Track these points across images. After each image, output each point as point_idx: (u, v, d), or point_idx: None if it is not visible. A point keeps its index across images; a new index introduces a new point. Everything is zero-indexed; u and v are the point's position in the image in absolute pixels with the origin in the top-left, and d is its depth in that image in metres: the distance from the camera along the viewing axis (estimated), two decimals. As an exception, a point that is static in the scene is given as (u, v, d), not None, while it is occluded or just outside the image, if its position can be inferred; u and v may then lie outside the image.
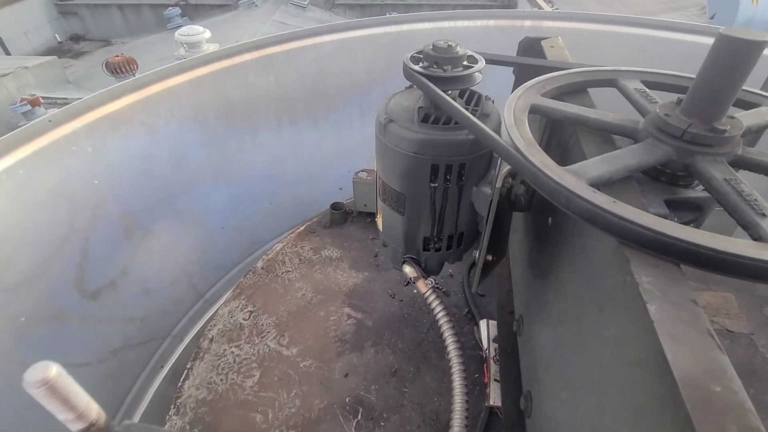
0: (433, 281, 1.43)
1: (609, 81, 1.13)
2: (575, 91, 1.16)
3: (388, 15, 3.30)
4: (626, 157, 0.81)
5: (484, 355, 1.58)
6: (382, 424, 1.50)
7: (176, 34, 5.97)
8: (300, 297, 1.97)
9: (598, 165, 0.79)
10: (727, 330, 1.57)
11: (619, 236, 0.66)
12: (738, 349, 1.52)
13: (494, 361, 1.50)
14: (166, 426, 1.50)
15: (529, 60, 1.47)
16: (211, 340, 1.79)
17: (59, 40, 11.12)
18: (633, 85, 1.07)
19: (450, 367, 1.34)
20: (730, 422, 0.47)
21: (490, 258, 1.20)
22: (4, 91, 6.41)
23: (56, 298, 1.95)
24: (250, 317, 1.88)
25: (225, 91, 2.61)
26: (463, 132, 1.06)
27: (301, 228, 2.36)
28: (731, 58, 0.73)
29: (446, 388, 1.57)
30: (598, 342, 0.77)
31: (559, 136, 1.16)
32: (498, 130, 1.06)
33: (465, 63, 1.09)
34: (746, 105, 0.99)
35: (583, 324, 0.85)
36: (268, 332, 1.81)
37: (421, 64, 1.09)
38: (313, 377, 1.64)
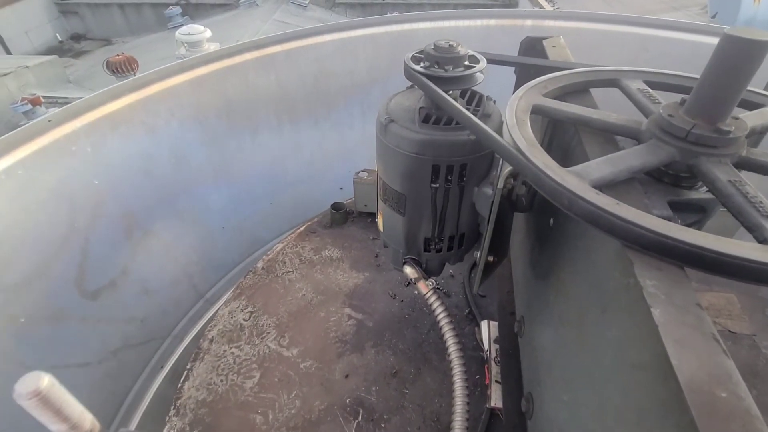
0: (434, 282, 1.43)
1: (611, 81, 1.12)
2: (577, 91, 1.15)
3: (388, 14, 3.30)
4: (629, 158, 0.80)
5: (485, 356, 1.57)
6: (383, 425, 1.50)
7: (177, 33, 5.96)
8: (300, 297, 1.96)
9: (601, 166, 0.78)
10: (730, 331, 1.56)
11: (623, 239, 0.65)
12: (740, 351, 1.51)
13: (495, 363, 1.49)
14: (166, 428, 1.49)
15: (530, 60, 1.46)
16: (211, 340, 1.78)
17: (60, 39, 11.11)
18: (636, 85, 1.06)
19: (451, 368, 1.34)
20: (736, 428, 0.46)
21: (491, 259, 1.19)
22: (4, 90, 6.41)
23: (56, 298, 1.94)
24: (250, 318, 1.87)
25: (225, 91, 2.61)
26: (465, 132, 1.05)
27: (302, 228, 2.35)
28: (736, 58, 0.72)
29: (447, 389, 1.57)
30: (600, 344, 0.76)
31: (561, 137, 1.15)
32: (499, 131, 1.05)
33: (466, 63, 1.08)
34: (750, 105, 0.98)
35: (585, 326, 0.84)
36: (269, 333, 1.81)
37: (422, 64, 1.08)
38: (314, 378, 1.64)
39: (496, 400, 1.42)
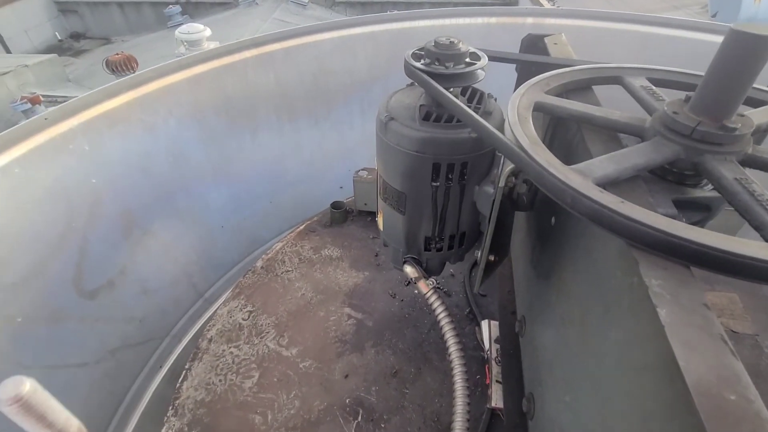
0: (435, 281, 1.42)
1: (614, 78, 1.11)
2: (580, 88, 1.13)
3: (389, 12, 3.28)
4: (634, 155, 0.78)
5: (486, 356, 1.56)
6: (383, 425, 1.49)
7: (176, 32, 5.94)
8: (300, 297, 1.95)
9: (604, 164, 0.77)
10: (732, 331, 1.55)
11: (628, 237, 0.64)
12: (743, 351, 1.50)
13: (496, 362, 1.48)
14: (164, 428, 1.48)
15: (532, 57, 1.44)
16: (210, 340, 1.77)
17: (59, 38, 11.09)
18: (639, 83, 1.05)
19: (451, 368, 1.33)
20: (745, 432, 0.45)
21: (492, 258, 1.18)
22: (4, 89, 6.40)
23: (54, 298, 1.93)
24: (249, 317, 1.86)
25: (224, 89, 2.59)
26: (466, 130, 1.04)
27: (301, 227, 2.34)
28: (743, 53, 0.70)
29: (447, 389, 1.56)
30: (603, 344, 0.75)
31: (563, 135, 1.14)
32: (501, 129, 1.03)
33: (467, 60, 1.07)
34: (755, 103, 0.97)
35: (587, 326, 0.83)
36: (268, 332, 1.80)
37: (422, 61, 1.07)
38: (313, 378, 1.63)
39: (496, 400, 1.41)
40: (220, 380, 1.63)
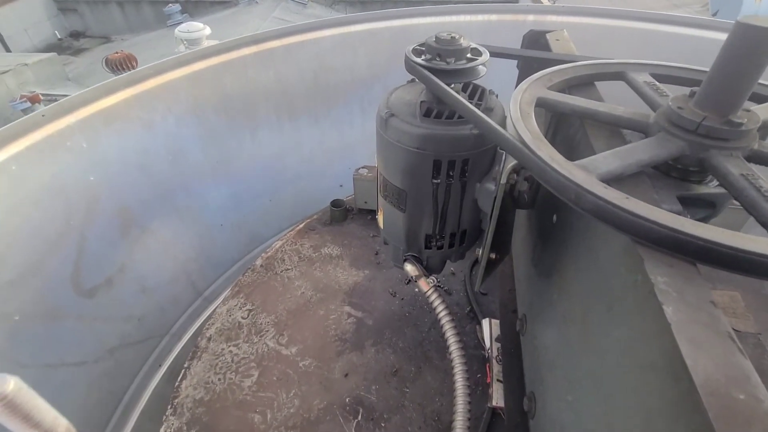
0: (435, 279, 1.41)
1: (617, 74, 1.10)
2: (582, 84, 1.12)
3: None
4: (638, 151, 0.77)
5: (487, 354, 1.55)
6: (383, 424, 1.48)
7: (176, 30, 5.91)
8: (299, 295, 1.94)
9: (608, 159, 0.76)
10: (734, 329, 1.54)
11: (634, 234, 0.63)
12: (745, 349, 1.49)
13: (497, 361, 1.47)
14: (163, 427, 1.47)
15: (534, 53, 1.43)
16: (209, 339, 1.76)
17: (59, 36, 11.07)
18: (642, 78, 1.04)
19: (452, 367, 1.32)
20: (755, 433, 0.44)
21: (493, 256, 1.17)
22: (3, 88, 6.38)
23: (51, 296, 1.92)
24: (248, 316, 1.85)
25: (224, 86, 2.58)
26: (467, 127, 1.03)
27: (301, 225, 2.33)
28: (749, 47, 0.69)
29: (448, 388, 1.55)
30: (606, 343, 0.74)
31: (565, 131, 1.13)
32: (502, 125, 1.02)
33: (469, 55, 1.06)
34: (759, 98, 0.96)
35: (590, 324, 0.82)
36: (267, 331, 1.79)
37: (423, 57, 1.06)
38: (313, 377, 1.62)
39: (497, 399, 1.40)
40: (219, 379, 1.62)
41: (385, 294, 1.94)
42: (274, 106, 2.86)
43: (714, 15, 8.66)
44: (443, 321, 1.35)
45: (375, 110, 1.17)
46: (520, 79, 1.42)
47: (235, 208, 2.95)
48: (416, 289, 1.90)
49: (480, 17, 3.00)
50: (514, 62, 1.50)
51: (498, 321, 1.58)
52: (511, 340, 1.45)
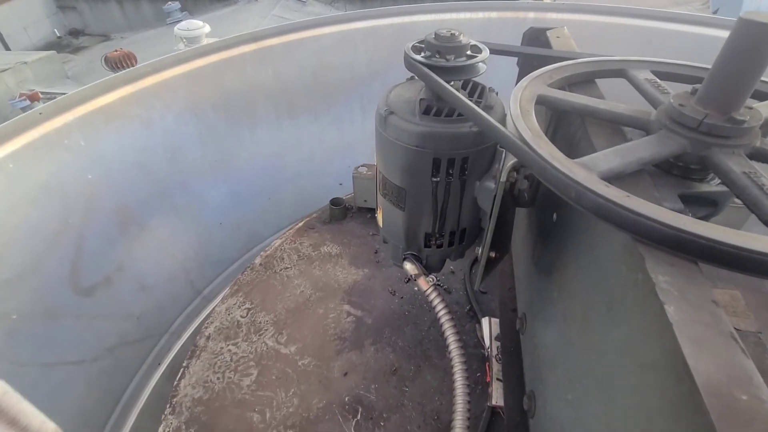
0: (435, 278, 1.40)
1: (618, 71, 1.09)
2: (583, 81, 1.12)
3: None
4: (639, 149, 0.77)
5: (486, 353, 1.55)
6: (382, 423, 1.47)
7: (176, 28, 5.89)
8: (299, 294, 1.94)
9: (609, 157, 0.75)
10: (735, 328, 1.54)
11: (635, 233, 0.62)
12: (746, 348, 1.49)
13: (496, 360, 1.47)
14: (161, 426, 1.47)
15: (534, 50, 1.42)
16: (208, 337, 1.76)
17: (58, 35, 11.04)
18: (643, 75, 1.03)
19: (451, 366, 1.32)
20: (758, 434, 0.43)
21: (493, 255, 1.16)
22: (3, 86, 6.37)
23: (50, 295, 1.91)
24: (247, 314, 1.85)
25: (223, 84, 2.57)
26: (467, 124, 1.02)
27: (300, 224, 2.33)
28: (752, 43, 0.68)
29: (447, 387, 1.55)
30: (606, 341, 0.73)
31: (565, 129, 1.12)
32: (502, 123, 1.02)
33: (468, 53, 1.05)
34: (762, 96, 0.95)
35: (590, 322, 0.81)
36: (266, 330, 1.78)
37: (422, 54, 1.05)
38: (312, 376, 1.61)
39: (497, 398, 1.40)
40: (218, 378, 1.61)
41: (385, 293, 1.93)
42: (273, 104, 2.85)
43: (715, 12, 8.64)
44: (443, 320, 1.34)
45: (375, 108, 1.16)
46: (520, 77, 1.41)
47: (234, 206, 2.94)
48: (416, 288, 1.89)
49: (480, 14, 2.99)
50: (515, 60, 1.49)
51: (498, 320, 1.57)
52: (511, 339, 1.45)
